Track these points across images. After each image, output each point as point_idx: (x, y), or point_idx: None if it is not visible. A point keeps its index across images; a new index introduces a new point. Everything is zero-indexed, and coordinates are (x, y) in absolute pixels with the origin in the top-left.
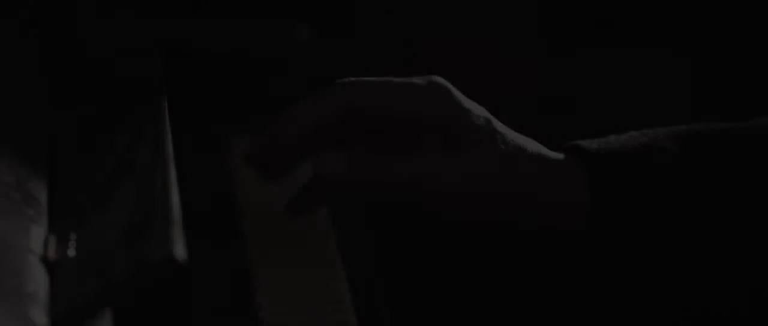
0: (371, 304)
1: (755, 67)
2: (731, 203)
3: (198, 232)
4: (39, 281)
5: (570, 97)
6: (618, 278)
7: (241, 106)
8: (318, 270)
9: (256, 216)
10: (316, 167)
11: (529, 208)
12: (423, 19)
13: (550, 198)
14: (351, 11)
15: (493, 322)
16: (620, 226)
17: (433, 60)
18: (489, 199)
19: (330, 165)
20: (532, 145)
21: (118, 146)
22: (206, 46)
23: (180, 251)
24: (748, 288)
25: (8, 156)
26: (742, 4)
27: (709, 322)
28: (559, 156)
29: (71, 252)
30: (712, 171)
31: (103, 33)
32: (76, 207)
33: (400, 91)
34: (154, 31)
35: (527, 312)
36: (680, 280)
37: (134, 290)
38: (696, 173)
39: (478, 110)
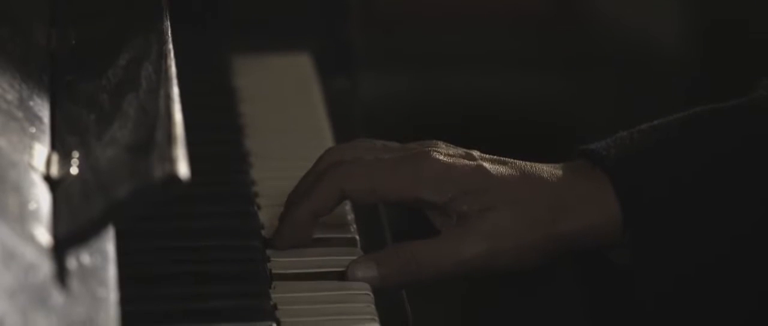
0: None
1: None
2: (751, 185)
3: (201, 151)
4: (41, 199)
5: (575, 14)
6: (659, 278)
7: (244, 25)
8: None
9: (259, 134)
10: (350, 280)
11: (562, 241)
12: None
13: (580, 223)
14: None
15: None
16: (656, 231)
17: None
18: (523, 251)
19: (363, 278)
20: (543, 173)
21: (120, 64)
22: None
23: (183, 169)
24: None
25: (10, 73)
26: None
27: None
28: (576, 172)
29: (74, 170)
30: (728, 159)
31: None
32: (78, 124)
33: (391, 176)
34: None
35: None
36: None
37: (137, 207)
38: (713, 165)
39: (472, 171)
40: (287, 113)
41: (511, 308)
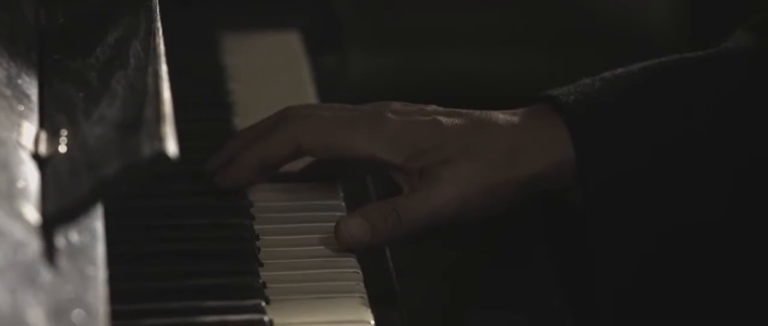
0: None
1: None
2: (711, 132)
3: (190, 128)
4: (30, 177)
5: None
6: (612, 227)
7: (233, 2)
8: None
9: (248, 112)
10: (339, 240)
11: (523, 184)
12: None
13: (537, 167)
14: None
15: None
16: (607, 179)
17: None
18: (490, 196)
19: (352, 236)
20: (499, 120)
21: (109, 42)
22: None
23: (171, 147)
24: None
25: None
26: None
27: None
28: (533, 117)
29: (62, 148)
30: (687, 110)
31: None
32: (67, 103)
33: (347, 133)
34: None
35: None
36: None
37: (125, 185)
38: (671, 116)
39: (427, 128)
40: (276, 91)
41: (493, 280)
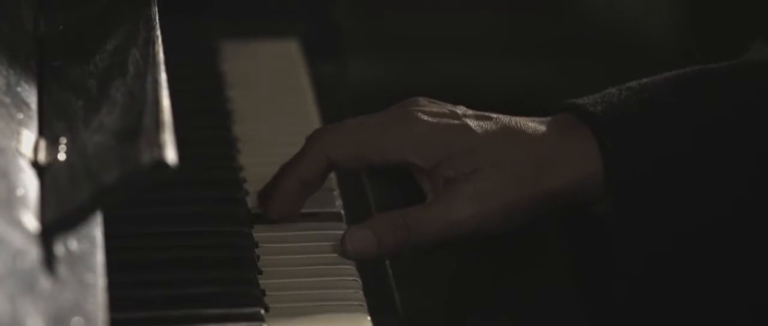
0: None
1: None
2: (739, 141)
3: (189, 136)
4: (29, 185)
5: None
6: (640, 241)
7: (232, 10)
8: None
9: (247, 120)
10: (344, 252)
11: (547, 198)
12: None
13: (565, 180)
14: None
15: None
16: (638, 190)
17: None
18: (510, 211)
19: (360, 248)
20: (528, 129)
21: (108, 49)
22: None
23: (171, 154)
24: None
25: None
26: None
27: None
28: (561, 128)
29: (61, 156)
30: (715, 120)
31: None
32: (66, 110)
33: (377, 140)
34: None
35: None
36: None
37: (125, 193)
38: (699, 126)
39: (457, 132)
40: (275, 99)
41: (498, 290)
